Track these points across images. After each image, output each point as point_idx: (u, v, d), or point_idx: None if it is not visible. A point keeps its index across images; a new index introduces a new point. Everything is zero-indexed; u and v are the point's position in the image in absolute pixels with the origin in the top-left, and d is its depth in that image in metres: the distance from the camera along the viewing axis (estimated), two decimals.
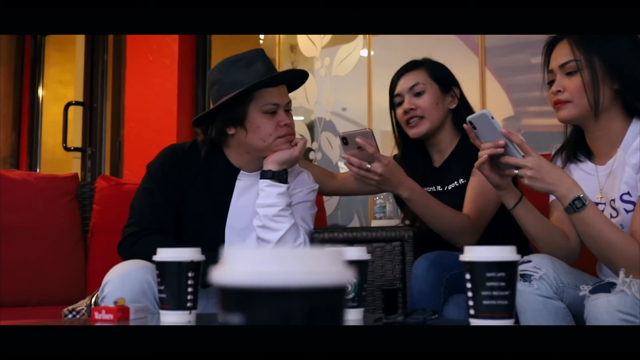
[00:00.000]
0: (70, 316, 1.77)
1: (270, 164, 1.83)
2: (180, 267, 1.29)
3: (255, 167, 1.88)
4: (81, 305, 1.82)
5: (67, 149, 3.63)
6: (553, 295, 1.54)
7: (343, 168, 3.41)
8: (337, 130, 3.39)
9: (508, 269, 1.14)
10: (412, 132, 2.01)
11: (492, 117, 1.47)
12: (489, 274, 1.13)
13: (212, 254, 1.73)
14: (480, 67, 3.17)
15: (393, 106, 2.08)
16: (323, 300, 0.49)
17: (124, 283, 1.57)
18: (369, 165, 1.71)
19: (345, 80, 3.36)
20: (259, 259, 0.50)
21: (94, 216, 2.33)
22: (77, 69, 3.93)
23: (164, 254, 1.31)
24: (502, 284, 1.13)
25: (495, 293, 1.13)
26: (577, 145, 1.74)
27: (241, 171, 1.89)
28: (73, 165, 3.90)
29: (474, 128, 1.51)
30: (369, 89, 3.26)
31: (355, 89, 3.33)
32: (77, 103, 3.71)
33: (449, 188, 2.00)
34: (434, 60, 2.09)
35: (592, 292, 1.37)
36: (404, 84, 2.02)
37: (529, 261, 1.58)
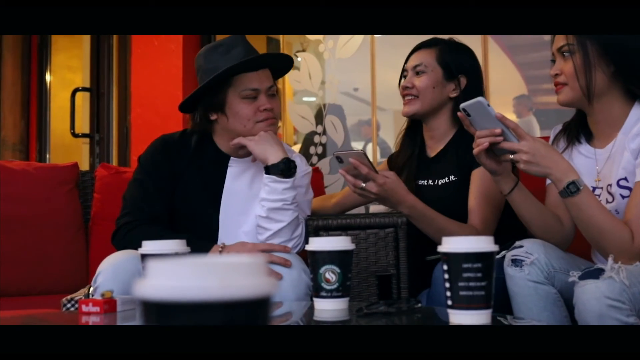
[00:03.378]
0: (69, 305, 1.80)
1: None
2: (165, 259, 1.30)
3: (244, 153, 1.88)
4: (80, 294, 1.85)
5: (75, 135, 3.67)
6: (544, 280, 1.54)
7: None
8: (344, 114, 3.39)
9: (485, 260, 1.14)
10: (404, 110, 2.01)
11: (488, 104, 1.46)
12: (465, 265, 1.14)
13: (205, 243, 1.77)
14: (483, 44, 3.12)
15: (400, 79, 2.06)
16: (241, 313, 0.49)
17: (116, 273, 1.60)
18: (363, 184, 1.69)
19: (349, 63, 3.34)
20: (177, 273, 0.51)
21: (94, 205, 2.36)
22: (84, 55, 3.95)
23: (149, 247, 1.32)
24: (479, 274, 1.14)
25: (472, 284, 1.14)
26: (579, 127, 1.73)
27: (231, 158, 1.90)
28: (82, 151, 3.94)
29: (468, 115, 1.50)
30: (373, 70, 3.24)
31: (359, 71, 3.32)
32: (84, 89, 3.74)
33: (439, 183, 1.97)
34: (456, 42, 2.04)
35: (581, 278, 1.38)
36: (411, 61, 2.02)
37: (521, 246, 1.58)
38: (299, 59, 3.55)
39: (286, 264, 1.69)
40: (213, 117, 1.86)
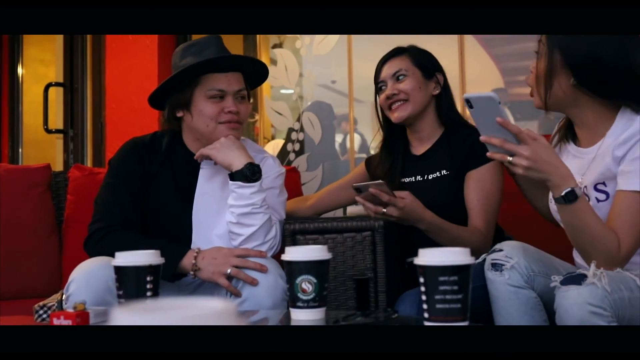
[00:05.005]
0: (41, 312, 1.77)
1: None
2: (138, 271, 1.29)
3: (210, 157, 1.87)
4: (53, 300, 1.82)
5: (48, 131, 3.60)
6: (524, 284, 1.54)
7: (327, 151, 3.40)
8: (321, 112, 3.38)
9: (461, 272, 1.14)
10: (395, 116, 2.01)
11: (500, 102, 1.38)
12: (441, 278, 1.13)
13: (181, 247, 1.74)
14: (459, 37, 3.13)
15: (377, 92, 2.07)
16: None
17: (89, 282, 1.57)
18: (384, 210, 1.75)
19: (326, 57, 3.33)
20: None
21: (68, 206, 2.33)
22: (57, 48, 3.87)
23: (122, 259, 1.30)
24: (455, 287, 1.13)
25: (448, 297, 1.13)
26: (567, 127, 1.74)
27: (195, 158, 1.88)
28: (56, 146, 3.87)
29: (471, 107, 1.42)
30: (350, 66, 3.23)
31: (337, 65, 3.30)
32: (57, 84, 3.67)
33: (430, 178, 2.00)
34: (418, 47, 2.08)
35: (563, 283, 1.38)
36: (387, 71, 2.03)
37: (501, 250, 1.59)
38: (280, 43, 3.53)
39: (262, 269, 1.68)
40: (179, 114, 1.86)
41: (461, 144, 1.99)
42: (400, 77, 2.00)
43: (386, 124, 2.10)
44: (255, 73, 1.95)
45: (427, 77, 2.02)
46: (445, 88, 2.05)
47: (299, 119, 3.33)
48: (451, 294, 1.13)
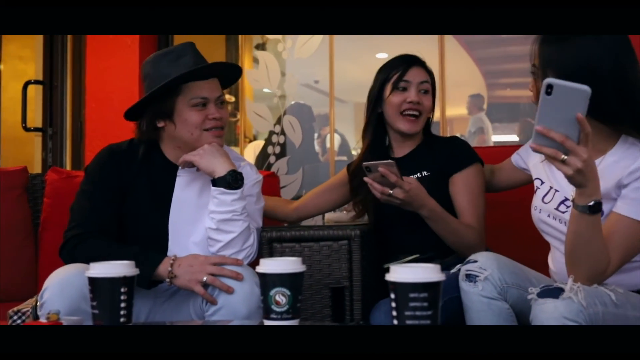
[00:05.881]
0: (15, 317, 1.76)
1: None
2: (112, 283, 1.29)
3: (190, 166, 1.87)
4: (28, 305, 1.82)
5: (26, 129, 3.57)
6: (497, 296, 1.57)
7: (308, 154, 3.42)
8: (302, 116, 3.39)
9: (431, 289, 1.15)
10: (408, 127, 2.02)
11: (589, 98, 1.30)
12: (412, 294, 1.15)
13: (157, 255, 1.75)
14: (440, 39, 3.15)
15: (383, 85, 2.04)
16: None
17: (63, 290, 1.57)
18: (391, 191, 1.78)
19: (308, 59, 3.34)
20: None
21: (44, 210, 2.31)
22: (37, 45, 3.84)
23: (96, 270, 1.30)
24: (425, 304, 1.15)
25: (418, 313, 1.15)
26: None
27: (180, 167, 1.88)
28: (35, 144, 3.84)
29: (548, 94, 1.32)
30: (331, 68, 3.24)
31: (319, 65, 3.31)
32: (36, 82, 3.64)
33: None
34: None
35: (540, 295, 1.40)
36: (416, 75, 2.03)
37: (475, 261, 1.61)
38: (263, 43, 3.53)
39: (238, 278, 1.69)
40: (160, 124, 1.85)
41: (442, 148, 2.04)
42: (426, 90, 2.04)
43: (374, 123, 2.08)
44: (230, 76, 1.97)
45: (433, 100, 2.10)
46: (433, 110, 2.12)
47: (279, 122, 3.34)
48: (421, 310, 1.14)
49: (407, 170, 2.01)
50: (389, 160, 1.77)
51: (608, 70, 1.51)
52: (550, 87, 1.31)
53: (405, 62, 2.04)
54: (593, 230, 1.42)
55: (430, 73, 2.08)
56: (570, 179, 1.37)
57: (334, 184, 2.22)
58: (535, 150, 1.37)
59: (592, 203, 1.39)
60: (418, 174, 2.00)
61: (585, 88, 1.30)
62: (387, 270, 1.92)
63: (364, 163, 1.80)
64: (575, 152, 1.33)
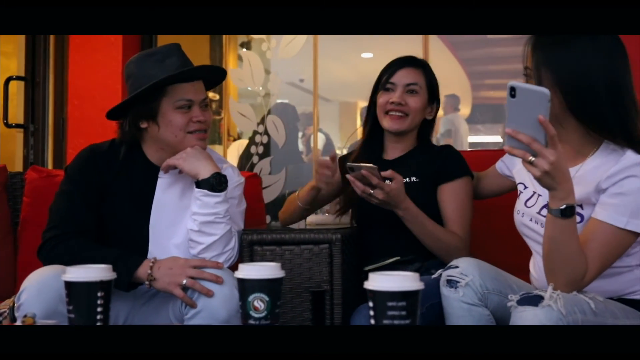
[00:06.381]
0: None
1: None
2: (89, 287, 1.28)
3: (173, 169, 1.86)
4: (5, 306, 1.80)
5: (8, 125, 3.53)
6: (478, 302, 1.58)
7: (291, 155, 3.41)
8: (286, 116, 3.38)
9: (410, 298, 1.15)
10: (390, 125, 2.04)
11: (550, 101, 1.32)
12: (390, 303, 1.15)
13: (136, 258, 1.74)
14: (424, 39, 3.16)
15: (376, 90, 2.08)
16: None
17: (41, 292, 1.56)
18: (371, 191, 1.81)
19: (292, 58, 3.33)
20: None
21: (24, 209, 2.29)
22: (19, 41, 3.79)
23: (72, 274, 1.29)
24: (403, 312, 1.15)
25: (396, 322, 1.15)
26: None
27: (162, 171, 1.87)
28: (17, 140, 3.80)
29: (512, 96, 1.34)
30: (315, 67, 3.24)
31: (304, 64, 3.31)
32: (18, 78, 3.60)
33: None
34: (431, 67, 2.13)
35: (520, 303, 1.40)
36: (403, 77, 2.05)
37: (457, 266, 1.62)
38: (244, 49, 3.52)
39: (218, 281, 1.68)
40: (143, 125, 1.84)
41: (433, 157, 2.06)
42: (413, 92, 2.04)
43: (370, 123, 2.12)
44: (214, 78, 1.97)
45: (430, 101, 2.09)
46: (435, 114, 2.13)
47: (263, 122, 3.33)
48: (399, 319, 1.15)
49: (398, 173, 2.03)
50: (373, 165, 1.80)
51: (601, 75, 1.52)
52: (513, 89, 1.34)
53: (396, 64, 2.07)
54: (567, 235, 1.42)
55: (427, 75, 2.08)
56: (539, 180, 1.38)
57: None
58: (507, 152, 1.39)
59: (563, 207, 1.39)
60: (407, 179, 2.00)
61: (545, 91, 1.32)
62: (367, 273, 1.95)
63: (348, 164, 1.82)
64: (541, 154, 1.34)
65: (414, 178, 2.01)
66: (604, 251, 1.48)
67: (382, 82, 2.06)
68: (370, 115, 2.11)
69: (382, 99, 2.05)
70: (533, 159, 1.35)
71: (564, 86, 1.51)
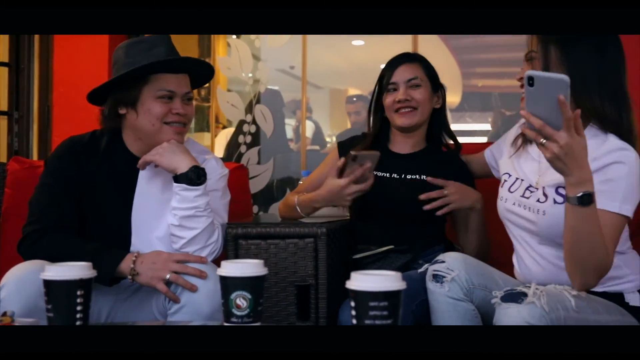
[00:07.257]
0: None
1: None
2: (68, 285, 1.26)
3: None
4: None
5: None
6: (463, 297, 1.59)
7: (279, 144, 3.39)
8: (274, 105, 3.36)
9: (392, 298, 1.14)
10: (402, 121, 2.07)
11: (569, 87, 1.33)
12: (372, 303, 1.14)
13: (119, 251, 1.72)
14: None
15: (381, 91, 2.11)
16: None
17: (20, 288, 1.53)
18: (543, 140, 1.82)
19: (281, 48, 3.31)
20: None
21: (5, 200, 2.26)
22: None
23: (51, 272, 1.27)
24: (385, 312, 1.14)
25: (377, 322, 1.14)
26: None
27: (138, 165, 1.85)
28: (1, 128, 3.75)
29: (530, 85, 1.35)
30: (304, 56, 3.22)
31: (294, 52, 3.29)
32: (2, 64, 3.55)
33: (408, 178, 2.05)
34: (426, 58, 2.15)
35: (504, 299, 1.41)
36: (402, 75, 2.07)
37: (443, 261, 1.62)
38: (233, 36, 3.48)
39: (201, 276, 1.66)
40: (122, 111, 1.82)
41: (441, 164, 2.09)
42: (416, 86, 2.06)
43: (378, 123, 2.15)
44: (201, 74, 1.93)
45: (434, 89, 2.11)
46: (444, 102, 2.15)
47: (251, 110, 3.30)
48: (381, 319, 1.14)
49: (406, 169, 2.07)
50: (375, 152, 1.84)
51: (601, 79, 1.56)
52: (531, 78, 1.35)
53: (393, 64, 2.10)
54: (590, 224, 1.40)
55: (424, 67, 2.11)
56: (551, 163, 1.39)
57: (327, 168, 2.15)
58: (522, 132, 1.47)
59: (580, 194, 1.38)
60: (417, 176, 2.04)
61: (564, 77, 1.33)
62: (355, 261, 1.95)
63: (352, 152, 1.83)
64: (553, 138, 1.35)
65: (424, 176, 2.03)
66: (615, 237, 1.50)
67: (384, 84, 2.10)
68: (378, 117, 2.15)
69: (388, 99, 2.09)
70: (544, 141, 1.36)
71: (571, 59, 1.56)
